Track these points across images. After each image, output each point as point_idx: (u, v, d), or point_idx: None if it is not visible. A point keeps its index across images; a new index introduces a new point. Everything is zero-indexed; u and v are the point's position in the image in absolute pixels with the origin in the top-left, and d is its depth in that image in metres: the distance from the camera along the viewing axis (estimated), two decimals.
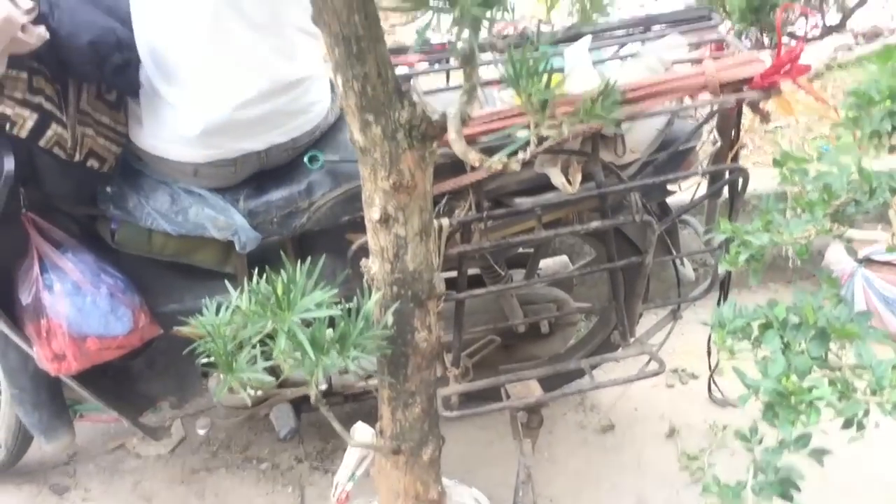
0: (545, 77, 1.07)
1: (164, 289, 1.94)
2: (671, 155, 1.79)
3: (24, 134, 1.58)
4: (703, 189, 1.99)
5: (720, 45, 1.80)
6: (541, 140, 1.11)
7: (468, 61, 1.14)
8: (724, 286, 2.10)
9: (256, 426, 2.49)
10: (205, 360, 1.18)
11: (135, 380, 2.06)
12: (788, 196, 1.10)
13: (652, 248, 1.81)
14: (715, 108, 1.73)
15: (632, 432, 2.41)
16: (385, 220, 1.24)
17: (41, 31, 1.49)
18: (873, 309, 2.61)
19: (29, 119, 1.58)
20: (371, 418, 1.60)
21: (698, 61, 1.74)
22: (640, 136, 1.76)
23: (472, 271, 1.97)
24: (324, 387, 2.15)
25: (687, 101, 1.71)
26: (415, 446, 1.53)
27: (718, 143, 1.80)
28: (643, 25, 1.91)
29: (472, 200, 1.70)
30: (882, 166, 1.08)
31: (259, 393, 2.03)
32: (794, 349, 0.82)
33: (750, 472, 0.94)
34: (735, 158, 1.81)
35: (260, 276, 1.18)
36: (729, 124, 1.78)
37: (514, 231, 1.84)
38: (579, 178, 1.70)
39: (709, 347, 2.29)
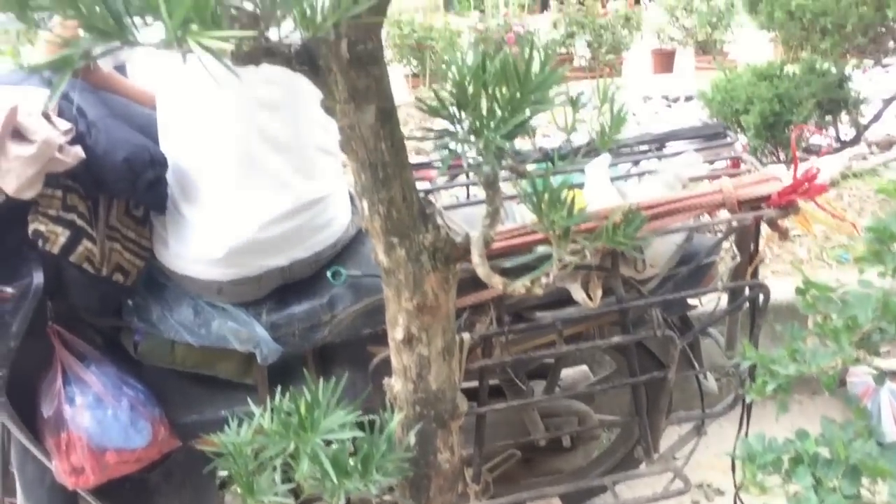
0: (567, 204, 1.09)
1: (184, 400, 1.94)
2: (691, 270, 1.80)
3: (56, 250, 1.62)
4: (724, 300, 1.98)
5: (736, 161, 1.83)
6: (563, 264, 1.12)
7: (491, 185, 1.17)
8: (746, 403, 2.07)
9: None
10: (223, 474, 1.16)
11: (151, 493, 2.03)
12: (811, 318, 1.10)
13: (674, 364, 1.80)
14: (734, 224, 1.75)
15: None
16: (409, 340, 1.25)
17: (77, 151, 1.55)
18: None
19: (62, 235, 1.62)
20: None
21: (716, 177, 1.77)
22: (660, 251, 1.77)
23: (491, 381, 1.96)
24: (343, 502, 2.11)
25: (705, 217, 1.73)
26: None
27: (738, 258, 1.81)
28: (659, 142, 1.96)
29: (492, 315, 1.70)
30: None
31: None
32: (825, 485, 0.81)
33: None
34: (755, 273, 1.82)
35: (281, 390, 1.18)
36: (748, 240, 1.79)
37: (534, 345, 1.83)
38: (600, 293, 1.71)
39: (733, 463, 2.23)
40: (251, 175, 1.72)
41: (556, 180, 1.13)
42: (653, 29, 8.22)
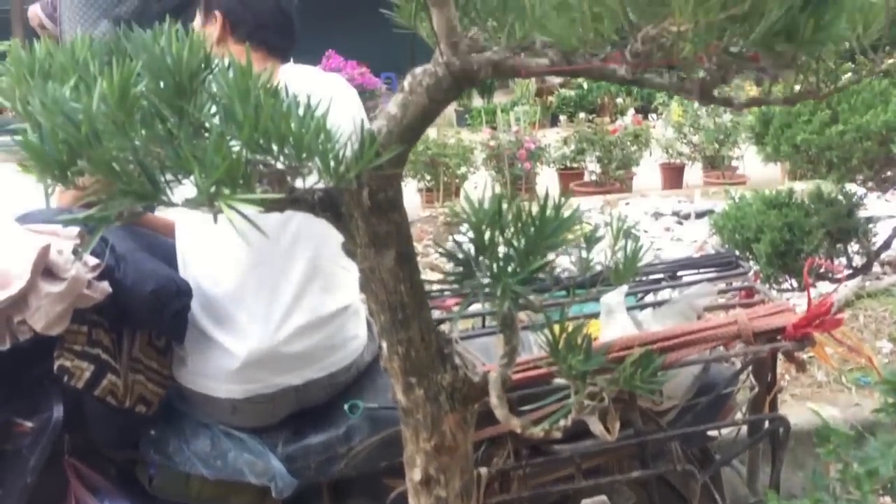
0: (584, 346, 1.11)
1: None
2: (710, 401, 1.79)
3: (80, 385, 1.64)
4: (744, 429, 1.96)
5: (749, 291, 1.85)
6: (582, 407, 1.12)
7: (508, 326, 1.19)
8: None
9: None
10: None
11: None
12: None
13: (696, 498, 1.77)
14: (749, 357, 1.75)
15: None
16: (426, 482, 1.24)
17: (104, 286, 1.59)
18: None
19: (87, 370, 1.64)
20: None
21: (730, 307, 1.79)
22: (678, 382, 1.77)
23: None
24: None
25: (721, 349, 1.74)
26: None
27: (756, 389, 1.80)
28: (672, 271, 1.98)
29: (510, 448, 1.69)
30: None
31: None
32: None
33: None
34: (773, 404, 1.81)
35: None
36: (765, 370, 1.79)
37: (552, 478, 1.81)
38: (617, 425, 1.69)
39: None
40: (267, 289, 1.76)
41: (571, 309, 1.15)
42: (661, 145, 8.39)
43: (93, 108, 0.84)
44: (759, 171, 6.77)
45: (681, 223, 5.94)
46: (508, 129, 8.05)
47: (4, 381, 1.63)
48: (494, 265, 1.09)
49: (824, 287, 2.50)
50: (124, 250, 1.69)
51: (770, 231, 2.04)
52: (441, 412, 1.21)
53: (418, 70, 1.08)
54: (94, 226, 0.89)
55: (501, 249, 1.13)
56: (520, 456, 1.69)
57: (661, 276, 1.99)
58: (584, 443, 1.72)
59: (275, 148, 0.94)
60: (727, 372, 1.84)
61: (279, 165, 0.98)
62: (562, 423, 1.13)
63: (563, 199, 1.11)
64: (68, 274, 1.48)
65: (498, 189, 7.66)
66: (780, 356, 1.76)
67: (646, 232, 5.74)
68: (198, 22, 1.92)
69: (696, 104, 7.55)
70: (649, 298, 1.94)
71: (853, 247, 2.39)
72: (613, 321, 1.78)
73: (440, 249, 1.16)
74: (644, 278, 2.00)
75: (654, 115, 9.83)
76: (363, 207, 1.12)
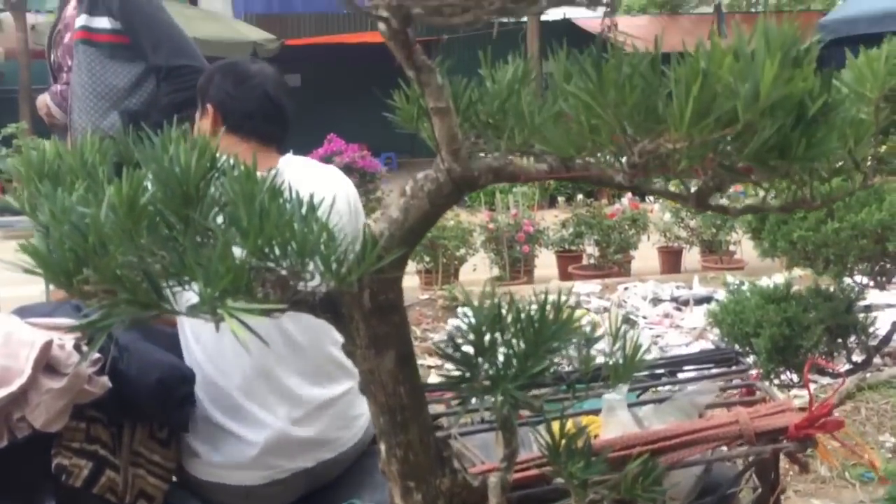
0: (585, 452, 1.10)
1: None
2: (713, 502, 1.75)
3: (78, 483, 1.62)
4: None
5: (750, 389, 1.84)
6: None
7: (507, 428, 1.18)
8: None
9: None
10: None
11: None
12: None
13: None
14: (752, 458, 1.72)
15: None
16: None
17: (105, 381, 1.59)
18: None
19: (85, 468, 1.62)
20: None
21: (731, 405, 1.78)
22: (680, 483, 1.74)
23: None
24: None
25: (724, 448, 1.71)
26: None
27: (759, 490, 1.77)
28: (672, 367, 1.97)
29: None
30: None
31: None
32: None
33: None
34: None
35: None
36: (768, 470, 1.76)
37: None
38: None
39: None
40: (279, 377, 1.77)
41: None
42: (659, 228, 8.46)
43: (101, 217, 0.85)
44: (756, 256, 6.80)
45: (680, 309, 5.94)
46: (507, 212, 8.12)
47: None
48: (493, 369, 1.10)
49: (825, 380, 2.48)
50: (127, 341, 1.69)
51: (769, 326, 2.05)
52: None
53: (420, 175, 1.10)
54: (98, 332, 0.89)
55: (501, 351, 1.13)
56: None
57: (661, 371, 1.98)
58: None
59: (277, 252, 0.96)
60: (730, 472, 1.82)
61: (282, 270, 0.99)
62: None
63: (562, 300, 1.12)
64: (70, 369, 1.47)
65: (497, 272, 7.69)
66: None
67: (645, 318, 5.73)
68: (197, 117, 1.99)
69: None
70: (651, 395, 1.93)
71: (853, 340, 2.39)
72: (615, 419, 1.76)
73: (439, 347, 1.16)
74: (644, 373, 1.98)
75: (651, 198, 9.94)
76: (364, 309, 1.12)
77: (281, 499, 1.85)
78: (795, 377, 2.18)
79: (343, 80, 15.44)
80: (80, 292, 0.87)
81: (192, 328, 1.83)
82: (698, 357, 1.96)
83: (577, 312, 1.17)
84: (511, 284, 6.77)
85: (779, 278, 4.17)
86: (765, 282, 5.10)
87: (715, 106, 0.86)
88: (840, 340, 2.14)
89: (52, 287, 1.67)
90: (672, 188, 1.09)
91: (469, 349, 1.12)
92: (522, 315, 1.12)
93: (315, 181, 1.77)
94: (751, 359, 2.21)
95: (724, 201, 1.20)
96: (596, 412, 1.82)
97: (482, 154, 1.17)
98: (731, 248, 8.26)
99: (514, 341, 1.13)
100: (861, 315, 2.32)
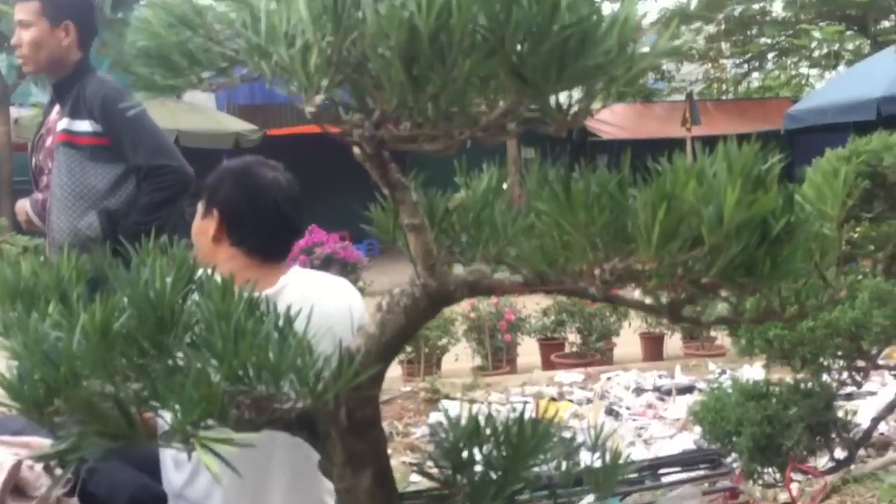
0: None
1: None
2: None
3: None
4: None
5: (734, 493, 1.82)
6: None
7: None
8: None
9: None
10: None
11: None
12: None
13: None
14: None
15: None
16: None
17: (74, 503, 1.55)
18: None
19: None
20: None
21: None
22: None
23: None
24: None
25: None
26: None
27: None
28: (654, 469, 1.96)
29: None
30: None
31: None
32: None
33: None
34: None
35: None
36: None
37: None
38: None
39: None
40: (257, 492, 1.72)
41: None
42: (640, 314, 8.47)
43: (73, 346, 0.85)
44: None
45: (663, 399, 5.89)
46: (488, 300, 8.12)
47: None
48: (471, 487, 1.08)
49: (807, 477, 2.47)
50: (96, 461, 1.65)
51: (750, 425, 2.05)
52: None
53: (396, 290, 1.10)
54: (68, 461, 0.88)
55: (479, 468, 1.12)
56: None
57: (644, 474, 1.96)
58: None
59: (252, 373, 0.95)
60: None
61: (257, 391, 0.98)
62: None
63: (541, 419, 1.11)
64: (39, 492, 1.44)
65: (479, 361, 7.64)
66: None
67: (629, 409, 5.67)
68: (199, 209, 1.85)
69: None
70: (635, 500, 1.91)
71: (834, 437, 2.38)
72: None
73: (419, 465, 1.15)
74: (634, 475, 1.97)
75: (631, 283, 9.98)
76: (340, 427, 1.11)
77: None
78: (779, 475, 2.17)
79: (323, 169, 15.64)
80: (51, 423, 0.86)
81: (174, 453, 1.78)
82: (681, 459, 1.94)
83: (560, 405, 1.17)
84: (493, 374, 6.72)
85: (759, 368, 4.17)
86: (746, 371, 5.10)
87: (682, 228, 0.88)
88: (821, 438, 2.13)
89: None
90: (647, 300, 1.10)
91: (447, 464, 1.11)
92: (500, 428, 1.12)
93: (320, 295, 1.70)
94: (732, 456, 2.19)
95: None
96: None
97: (459, 263, 1.19)
98: (713, 334, 8.28)
99: (494, 453, 1.13)
100: (841, 412, 2.33)
